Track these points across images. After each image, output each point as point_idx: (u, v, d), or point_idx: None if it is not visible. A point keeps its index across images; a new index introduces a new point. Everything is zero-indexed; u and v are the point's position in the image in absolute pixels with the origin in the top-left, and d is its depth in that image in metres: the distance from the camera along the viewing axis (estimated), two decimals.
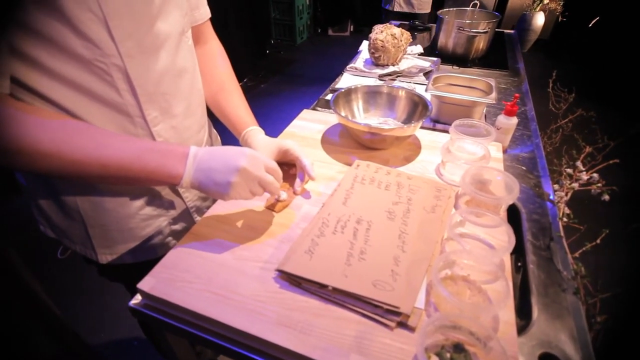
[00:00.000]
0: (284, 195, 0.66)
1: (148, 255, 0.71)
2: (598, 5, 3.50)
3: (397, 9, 2.45)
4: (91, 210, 0.63)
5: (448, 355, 0.43)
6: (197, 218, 0.75)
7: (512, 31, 1.81)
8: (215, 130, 0.87)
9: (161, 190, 0.67)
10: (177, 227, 0.73)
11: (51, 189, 0.61)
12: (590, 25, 3.40)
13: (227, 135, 0.81)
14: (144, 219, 0.67)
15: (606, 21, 3.33)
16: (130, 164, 0.49)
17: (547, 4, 3.71)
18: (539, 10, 3.73)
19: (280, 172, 0.58)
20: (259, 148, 0.69)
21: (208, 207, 0.68)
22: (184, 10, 0.62)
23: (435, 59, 1.42)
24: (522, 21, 3.81)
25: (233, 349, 0.48)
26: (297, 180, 0.67)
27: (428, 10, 2.48)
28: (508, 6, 4.02)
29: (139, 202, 0.65)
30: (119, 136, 0.51)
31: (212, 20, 0.76)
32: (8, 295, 0.53)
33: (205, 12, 0.73)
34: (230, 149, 0.53)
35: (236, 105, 0.75)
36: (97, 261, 0.68)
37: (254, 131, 0.72)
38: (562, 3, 3.68)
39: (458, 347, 0.43)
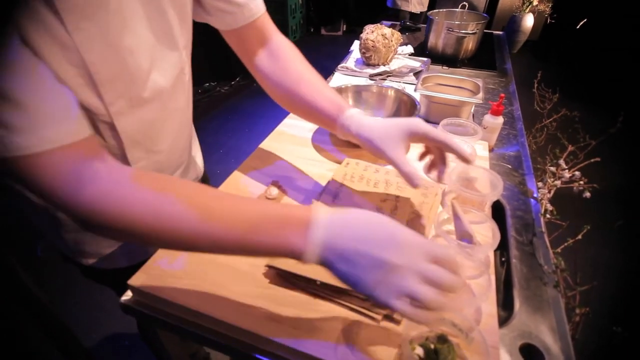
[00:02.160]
0: (274, 192, 0.67)
1: (130, 261, 0.68)
2: (586, 7, 3.58)
3: (413, 9, 2.44)
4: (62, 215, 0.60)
5: (432, 346, 0.44)
6: None
7: (500, 32, 1.84)
8: (197, 142, 0.84)
9: None
10: None
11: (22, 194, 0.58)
12: (578, 27, 3.47)
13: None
14: None
15: (594, 23, 3.40)
16: (241, 238, 0.39)
17: (536, 5, 3.77)
18: (528, 12, 3.79)
19: (456, 262, 0.39)
20: (382, 140, 0.54)
21: None
22: (181, 44, 0.56)
23: (425, 59, 1.44)
24: (512, 22, 3.87)
25: (223, 343, 0.49)
26: (442, 169, 0.57)
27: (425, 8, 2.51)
28: (498, 8, 4.07)
29: None
30: (227, 203, 0.41)
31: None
32: (6, 296, 0.52)
33: (257, 7, 0.60)
34: (378, 228, 0.39)
35: (322, 93, 0.61)
36: (80, 263, 0.67)
37: (356, 116, 0.57)
38: (550, 5, 3.75)
39: (441, 339, 0.45)
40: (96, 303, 1.52)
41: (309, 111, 0.63)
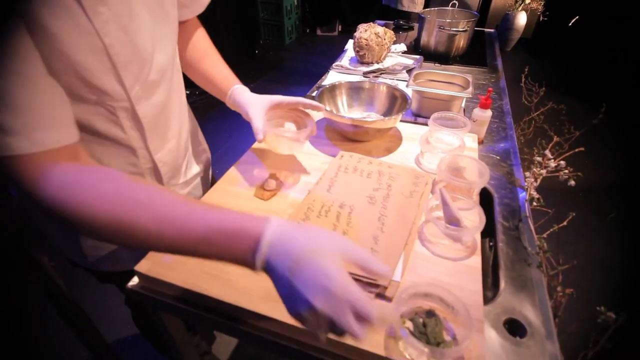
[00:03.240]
0: (272, 184, 0.70)
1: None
2: (578, 5, 3.63)
3: (419, 10, 2.46)
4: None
5: (421, 320, 0.47)
6: None
7: (492, 30, 1.88)
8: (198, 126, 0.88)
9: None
10: None
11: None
12: (570, 24, 3.52)
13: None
14: None
15: (585, 20, 3.45)
16: (195, 245, 0.40)
17: (529, 3, 3.82)
18: (521, 10, 3.84)
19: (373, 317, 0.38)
20: (251, 104, 0.68)
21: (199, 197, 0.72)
22: (175, 30, 0.61)
23: (418, 56, 1.48)
24: (505, 20, 3.91)
25: (224, 322, 0.52)
26: (311, 123, 0.71)
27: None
28: (492, 6, 4.12)
29: None
30: (182, 207, 0.42)
31: (201, 21, 0.79)
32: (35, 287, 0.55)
33: (204, 2, 0.70)
34: (322, 251, 0.38)
35: (219, 69, 0.75)
36: (90, 268, 0.70)
37: (240, 89, 0.72)
38: (542, 3, 3.79)
39: (430, 313, 0.48)
40: (98, 301, 1.54)
41: (206, 83, 0.75)
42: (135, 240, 0.42)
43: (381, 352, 0.45)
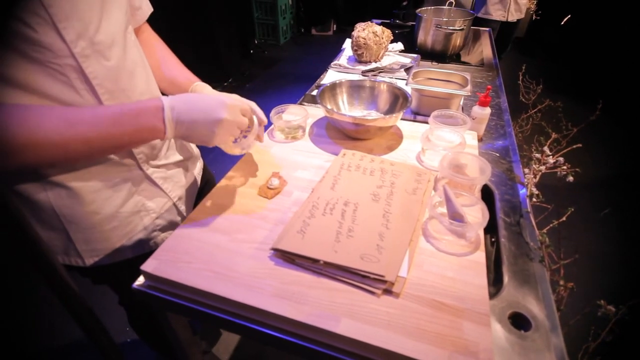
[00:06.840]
0: (275, 182, 0.71)
1: (136, 251, 0.72)
2: (570, 4, 3.68)
3: (510, 18, 2.42)
4: (71, 215, 0.63)
5: None
6: (182, 207, 0.78)
7: (487, 29, 1.89)
8: None
9: (140, 184, 0.69)
10: (161, 221, 0.75)
11: (27, 200, 0.60)
12: (562, 23, 3.57)
13: None
14: (126, 216, 0.68)
15: (578, 19, 3.50)
16: (108, 132, 0.51)
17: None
18: None
19: (251, 113, 0.65)
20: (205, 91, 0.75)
21: (190, 196, 0.72)
22: (124, 9, 0.63)
23: (415, 55, 1.49)
24: None
25: (233, 320, 0.52)
26: (258, 127, 0.70)
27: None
28: None
29: (119, 200, 0.66)
30: (87, 109, 0.52)
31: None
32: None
33: (145, 11, 0.76)
34: (209, 98, 0.57)
35: (181, 71, 0.81)
36: (84, 265, 0.68)
37: (201, 85, 0.77)
38: (535, 2, 3.83)
39: None
40: (97, 303, 1.53)
41: (171, 86, 0.79)
42: (55, 147, 0.48)
43: (382, 345, 0.45)
